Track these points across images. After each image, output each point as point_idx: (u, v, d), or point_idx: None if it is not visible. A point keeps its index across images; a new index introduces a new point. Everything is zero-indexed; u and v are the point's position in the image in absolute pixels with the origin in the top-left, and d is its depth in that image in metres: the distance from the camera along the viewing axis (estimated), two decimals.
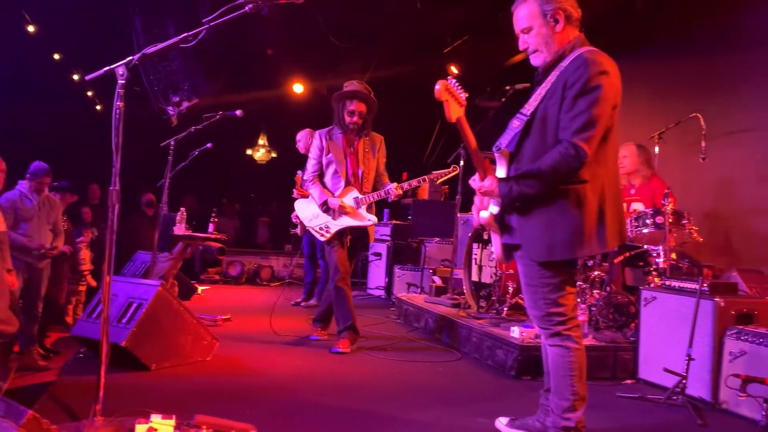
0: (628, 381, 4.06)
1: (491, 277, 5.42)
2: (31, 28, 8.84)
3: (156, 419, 2.35)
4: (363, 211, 4.70)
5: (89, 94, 11.07)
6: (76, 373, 3.69)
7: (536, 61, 2.67)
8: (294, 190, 6.82)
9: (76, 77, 10.29)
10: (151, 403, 2.81)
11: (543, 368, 2.87)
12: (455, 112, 2.48)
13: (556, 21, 2.58)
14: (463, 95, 2.51)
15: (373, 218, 4.72)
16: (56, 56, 9.89)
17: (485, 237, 5.36)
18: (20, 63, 9.13)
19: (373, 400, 3.41)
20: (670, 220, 4.38)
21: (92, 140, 6.47)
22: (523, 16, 2.63)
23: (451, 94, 2.46)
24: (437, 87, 2.42)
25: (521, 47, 2.69)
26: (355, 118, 4.66)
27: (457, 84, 2.49)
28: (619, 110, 2.59)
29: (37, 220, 5.11)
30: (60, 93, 10.16)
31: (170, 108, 7.85)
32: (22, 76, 9.26)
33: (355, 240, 4.82)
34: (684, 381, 3.48)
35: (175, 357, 3.88)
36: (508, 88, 5.14)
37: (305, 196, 6.71)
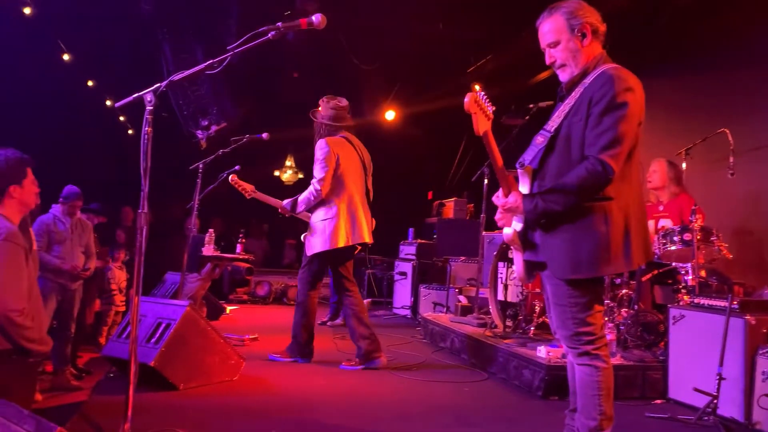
0: (658, 401, 3.99)
1: (517, 296, 5.39)
2: (66, 57, 9.10)
3: None
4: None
5: (121, 119, 11.34)
6: (107, 393, 3.76)
7: (563, 75, 2.64)
8: None
9: (108, 103, 10.56)
10: (179, 422, 2.86)
11: (569, 388, 2.84)
12: (483, 125, 2.41)
13: (584, 35, 2.56)
14: (491, 108, 2.44)
15: None
16: (90, 83, 10.16)
17: (510, 256, 5.33)
18: (59, 90, 9.37)
19: (396, 420, 3.41)
20: (698, 237, 4.31)
21: (128, 163, 6.62)
22: (549, 30, 2.60)
23: (479, 107, 2.39)
24: (466, 99, 2.36)
25: (548, 62, 2.65)
26: None
27: (485, 97, 2.43)
28: (642, 127, 2.55)
29: (70, 243, 5.21)
30: (95, 118, 10.40)
31: (199, 132, 8.03)
32: (58, 102, 9.50)
33: None
34: (715, 401, 3.41)
35: (203, 377, 3.93)
36: (531, 106, 5.13)
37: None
